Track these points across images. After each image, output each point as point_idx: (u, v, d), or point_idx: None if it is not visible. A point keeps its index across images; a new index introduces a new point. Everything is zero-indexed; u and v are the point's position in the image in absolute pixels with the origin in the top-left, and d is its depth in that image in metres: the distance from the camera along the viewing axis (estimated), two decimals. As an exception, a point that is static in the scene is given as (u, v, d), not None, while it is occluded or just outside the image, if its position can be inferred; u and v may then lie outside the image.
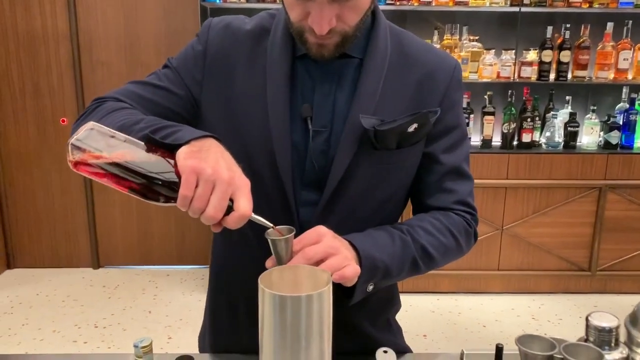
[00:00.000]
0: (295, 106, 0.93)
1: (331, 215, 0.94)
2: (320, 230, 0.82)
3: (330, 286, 0.62)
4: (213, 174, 0.68)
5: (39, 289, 3.33)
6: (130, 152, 0.68)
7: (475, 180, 2.92)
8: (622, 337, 0.65)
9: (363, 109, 0.91)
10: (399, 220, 1.04)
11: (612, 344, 0.63)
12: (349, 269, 0.77)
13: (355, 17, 0.86)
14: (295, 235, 0.78)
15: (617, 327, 0.63)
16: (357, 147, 0.91)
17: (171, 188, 0.69)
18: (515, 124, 3.19)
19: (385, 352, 0.79)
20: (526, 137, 3.18)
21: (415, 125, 0.92)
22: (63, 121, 3.42)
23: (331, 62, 0.92)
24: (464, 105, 3.16)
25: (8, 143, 3.44)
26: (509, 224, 3.19)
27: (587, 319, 0.65)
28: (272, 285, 0.62)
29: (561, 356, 0.61)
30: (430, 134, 0.97)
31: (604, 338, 0.63)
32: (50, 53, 3.33)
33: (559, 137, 3.21)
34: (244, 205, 0.70)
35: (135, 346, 0.92)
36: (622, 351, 0.63)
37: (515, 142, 3.23)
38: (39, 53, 3.33)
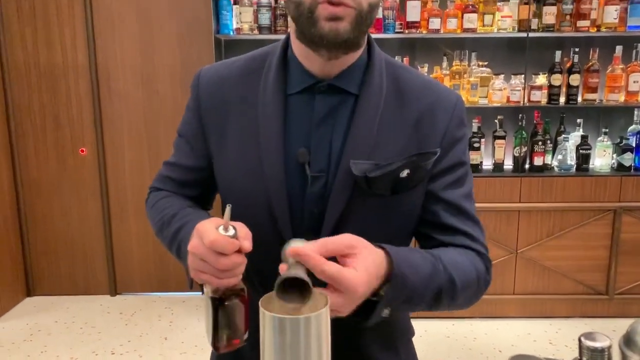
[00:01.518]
0: (290, 148, 0.90)
1: None
2: (354, 240, 0.75)
3: (328, 308, 0.65)
4: (195, 252, 0.74)
5: (57, 316, 3.38)
6: None
7: (488, 204, 2.93)
8: (617, 358, 0.66)
9: (357, 153, 0.87)
10: None
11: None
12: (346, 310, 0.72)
13: None
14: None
15: (610, 347, 0.65)
16: (350, 193, 0.87)
17: None
18: (526, 147, 3.20)
19: None
20: (538, 161, 3.19)
21: (407, 171, 0.87)
22: (82, 151, 3.51)
23: (326, 100, 0.89)
24: (475, 129, 3.18)
25: (29, 173, 3.54)
26: (523, 248, 3.17)
27: (579, 340, 0.67)
28: (272, 308, 0.65)
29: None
30: (433, 173, 0.92)
31: (597, 358, 0.64)
32: (70, 85, 3.44)
33: (571, 160, 3.20)
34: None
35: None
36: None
37: (527, 166, 3.24)
38: (59, 85, 3.44)
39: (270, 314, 0.62)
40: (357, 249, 0.73)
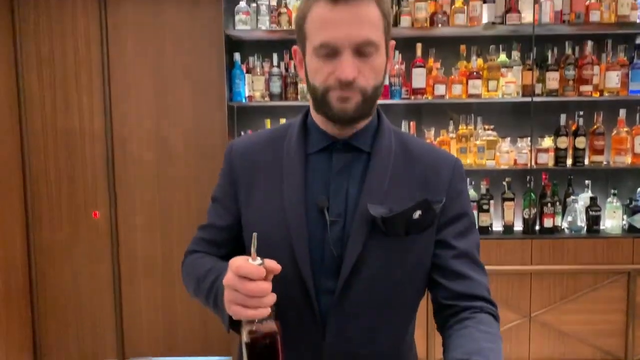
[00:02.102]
0: (310, 198, 1.01)
1: (347, 302, 0.99)
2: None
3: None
4: (227, 283, 0.86)
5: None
6: None
7: (499, 267, 2.92)
8: None
9: (372, 199, 0.99)
10: (418, 299, 1.10)
11: None
12: None
13: (372, 79, 0.97)
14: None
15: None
16: (367, 235, 0.98)
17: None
18: (535, 209, 3.21)
19: None
20: (548, 222, 3.18)
21: (419, 212, 0.99)
22: (95, 215, 3.56)
23: (342, 156, 1.03)
24: (483, 191, 3.21)
25: (41, 236, 3.58)
26: (536, 311, 3.12)
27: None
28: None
29: None
30: (440, 222, 1.04)
31: None
32: (86, 149, 3.54)
33: (581, 222, 3.20)
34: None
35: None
36: None
37: (537, 227, 3.23)
38: (75, 150, 3.53)
39: None
40: None
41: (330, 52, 0.94)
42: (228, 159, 1.12)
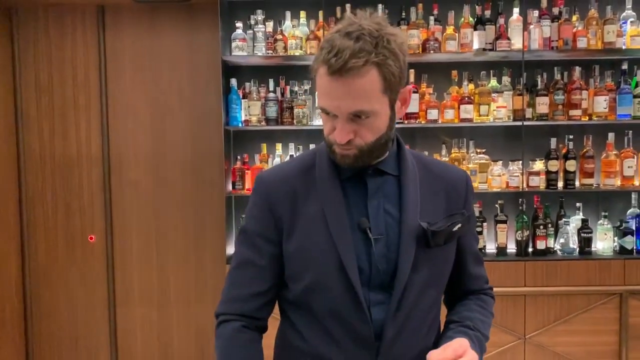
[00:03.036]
0: (351, 219, 1.10)
1: (400, 310, 1.09)
2: (463, 342, 1.04)
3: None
4: None
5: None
6: None
7: (494, 288, 2.98)
8: None
9: (413, 215, 1.11)
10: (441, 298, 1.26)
11: None
12: None
13: (370, 136, 1.05)
14: None
15: None
16: (415, 247, 1.09)
17: None
18: (528, 231, 3.25)
19: None
20: (540, 244, 3.23)
21: (459, 225, 1.14)
22: (91, 238, 3.57)
23: (374, 180, 1.13)
24: (477, 214, 3.25)
25: (37, 260, 3.58)
26: (531, 333, 3.14)
27: None
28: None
29: None
30: (461, 232, 1.19)
31: None
32: (83, 175, 3.57)
33: (574, 244, 3.24)
34: None
35: None
36: None
37: (530, 249, 3.27)
38: (72, 175, 3.56)
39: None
40: (468, 349, 1.04)
41: (330, 114, 1.04)
42: (262, 190, 1.16)
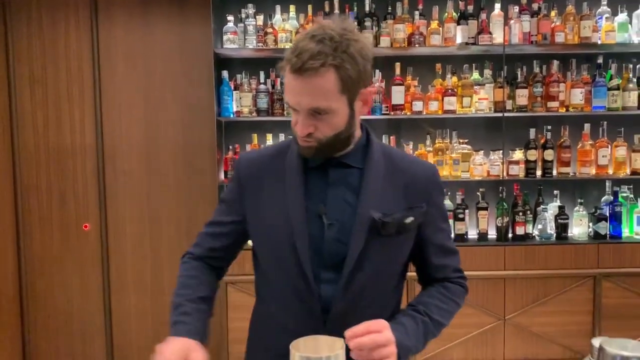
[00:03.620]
0: (311, 205, 1.21)
1: (349, 290, 1.19)
2: (382, 323, 1.10)
3: (344, 351, 0.81)
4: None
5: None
6: None
7: (475, 272, 3.16)
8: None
9: (369, 205, 1.19)
10: (403, 280, 1.35)
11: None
12: None
13: (328, 131, 1.15)
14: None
15: None
16: (367, 235, 1.18)
17: None
18: (508, 217, 3.41)
19: None
20: (520, 230, 3.39)
21: (412, 218, 1.22)
22: (85, 227, 3.66)
23: (336, 171, 1.23)
24: (459, 201, 3.40)
25: (32, 248, 3.66)
26: (510, 314, 3.31)
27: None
28: (300, 351, 0.81)
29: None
30: (421, 223, 1.27)
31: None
32: (77, 165, 3.64)
33: (551, 229, 3.41)
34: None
35: None
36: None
37: (509, 235, 3.43)
38: (66, 165, 3.64)
39: (299, 354, 0.78)
40: (385, 328, 1.10)
41: (294, 109, 1.16)
42: (237, 168, 1.35)
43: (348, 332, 1.05)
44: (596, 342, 0.78)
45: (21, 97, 3.60)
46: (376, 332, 1.07)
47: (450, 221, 3.38)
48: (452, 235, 3.36)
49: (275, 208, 1.24)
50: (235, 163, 1.38)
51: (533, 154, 3.40)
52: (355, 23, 3.33)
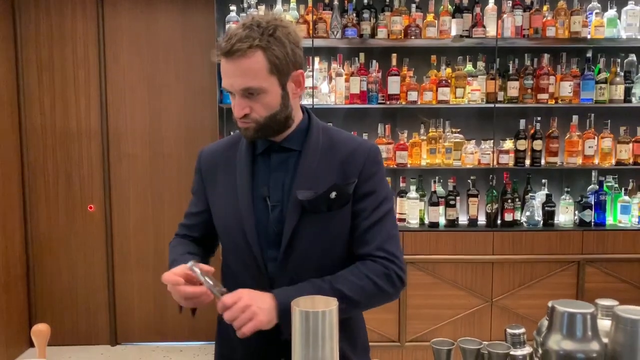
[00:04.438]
0: (257, 189, 1.31)
1: (288, 266, 1.29)
2: (238, 293, 1.16)
3: (336, 308, 0.95)
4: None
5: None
6: None
7: (465, 256, 3.33)
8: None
9: (302, 186, 1.27)
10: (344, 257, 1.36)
11: (521, 344, 0.95)
12: (248, 326, 1.12)
13: (263, 111, 1.23)
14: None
15: (524, 333, 0.95)
16: (299, 214, 1.27)
17: None
18: (497, 204, 3.55)
19: None
20: (508, 217, 3.53)
21: (335, 193, 1.26)
22: (90, 207, 3.79)
23: (278, 155, 1.32)
24: (450, 188, 3.54)
25: (38, 228, 3.80)
26: (497, 297, 3.46)
27: (505, 330, 0.98)
28: (299, 306, 0.95)
29: (485, 351, 0.94)
30: (355, 198, 1.30)
31: (515, 340, 0.95)
32: (83, 147, 3.77)
33: (538, 216, 3.55)
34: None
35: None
36: (528, 349, 0.95)
37: (498, 221, 3.57)
38: (72, 148, 3.76)
39: (299, 309, 0.92)
40: (240, 299, 1.15)
41: (230, 92, 1.24)
42: (198, 161, 1.46)
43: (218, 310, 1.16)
44: (550, 303, 0.92)
45: (29, 81, 3.71)
46: (232, 303, 1.14)
47: (441, 207, 3.53)
48: (443, 221, 3.52)
49: (227, 196, 1.34)
50: (198, 157, 1.47)
51: (523, 144, 3.54)
52: (354, 14, 3.45)
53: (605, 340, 0.90)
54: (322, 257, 1.31)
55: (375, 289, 1.25)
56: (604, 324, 0.93)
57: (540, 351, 0.92)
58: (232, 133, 3.63)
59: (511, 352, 0.95)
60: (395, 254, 1.28)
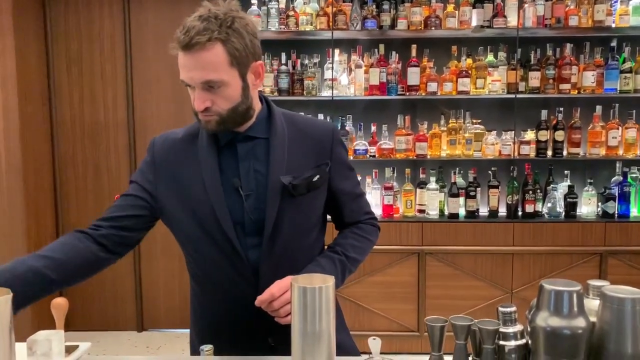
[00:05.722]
0: (226, 181, 1.30)
1: (273, 251, 1.31)
2: (283, 283, 1.18)
3: (333, 284, 1.00)
4: None
5: (89, 350, 3.68)
6: None
7: (485, 247, 3.36)
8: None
9: (279, 172, 1.29)
10: (323, 230, 1.47)
11: (512, 322, 0.99)
12: (288, 318, 1.13)
13: (225, 104, 1.22)
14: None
15: (514, 312, 0.99)
16: (280, 199, 1.29)
17: None
18: (518, 196, 3.54)
19: (374, 339, 1.12)
20: (529, 208, 3.51)
21: (318, 176, 1.34)
22: (117, 197, 3.90)
23: (244, 144, 1.31)
24: (471, 179, 3.53)
25: (69, 217, 3.94)
26: (517, 288, 3.45)
27: (497, 308, 1.01)
28: (298, 283, 1.00)
29: (475, 327, 0.98)
30: (332, 178, 1.39)
31: (506, 318, 0.99)
32: (110, 138, 3.89)
33: (560, 208, 3.52)
34: None
35: (201, 349, 1.27)
36: (519, 327, 0.98)
37: (519, 212, 3.56)
38: (100, 139, 3.89)
39: (298, 285, 0.97)
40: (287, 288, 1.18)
41: (189, 86, 1.23)
42: (152, 150, 1.39)
43: (257, 302, 1.17)
44: (540, 283, 0.95)
45: (59, 75, 3.84)
46: (281, 294, 1.16)
47: (462, 199, 3.53)
48: (463, 212, 3.53)
49: (193, 188, 1.30)
50: (149, 146, 1.41)
51: (544, 135, 3.51)
52: (374, 6, 3.47)
53: (594, 319, 0.92)
54: (303, 237, 1.37)
55: (370, 245, 1.45)
56: (595, 303, 0.95)
57: (529, 328, 0.95)
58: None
59: (501, 329, 0.98)
60: (372, 212, 1.51)
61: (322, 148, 1.38)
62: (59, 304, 1.20)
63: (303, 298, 0.97)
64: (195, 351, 1.48)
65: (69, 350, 1.23)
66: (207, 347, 1.23)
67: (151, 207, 1.35)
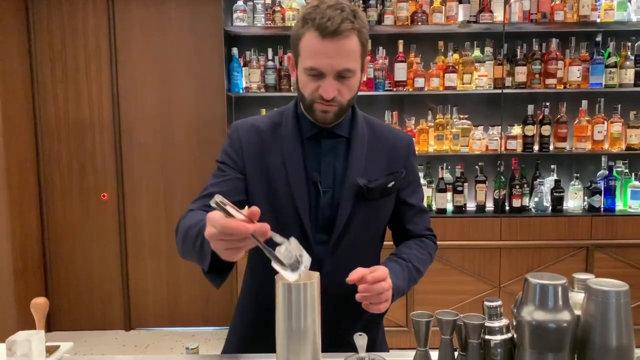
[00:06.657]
0: (309, 174, 1.32)
1: (338, 249, 1.33)
2: (385, 270, 1.18)
3: (318, 281, 0.99)
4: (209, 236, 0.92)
5: (76, 349, 3.64)
6: None
7: (472, 242, 3.36)
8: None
9: (355, 173, 1.31)
10: (382, 242, 1.48)
11: (498, 317, 0.99)
12: (380, 307, 1.17)
13: (348, 94, 1.26)
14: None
15: (500, 306, 0.99)
16: (354, 200, 1.31)
17: None
18: (505, 190, 3.55)
19: (360, 335, 1.12)
20: (516, 203, 3.53)
21: (393, 183, 1.36)
22: (104, 196, 3.87)
23: (328, 141, 1.33)
24: (458, 175, 3.55)
25: (54, 216, 3.89)
26: (505, 282, 3.47)
27: (482, 303, 1.01)
28: (282, 280, 0.99)
29: (461, 322, 0.97)
30: (402, 187, 1.41)
31: (492, 312, 0.98)
32: (96, 137, 3.85)
33: (547, 202, 3.55)
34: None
35: (187, 348, 1.27)
36: (504, 321, 0.98)
37: (506, 207, 3.57)
38: (85, 138, 3.84)
39: (282, 282, 0.96)
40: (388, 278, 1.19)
41: (317, 74, 1.22)
42: (236, 132, 1.37)
43: (353, 275, 1.11)
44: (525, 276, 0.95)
45: (42, 73, 3.79)
46: (382, 279, 1.15)
47: (449, 194, 3.54)
48: (451, 207, 3.54)
49: (275, 176, 1.31)
50: (231, 131, 1.39)
51: (531, 130, 3.52)
52: (361, 1, 3.46)
53: (579, 312, 0.92)
54: (367, 241, 1.39)
55: (430, 260, 1.45)
56: (580, 297, 0.95)
57: (514, 322, 0.95)
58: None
59: (486, 324, 0.97)
60: (433, 232, 1.51)
61: (397, 156, 1.41)
62: (39, 304, 1.18)
63: (288, 295, 0.96)
64: (231, 349, 1.43)
65: (50, 350, 1.21)
66: (193, 345, 1.22)
67: (243, 183, 1.35)
